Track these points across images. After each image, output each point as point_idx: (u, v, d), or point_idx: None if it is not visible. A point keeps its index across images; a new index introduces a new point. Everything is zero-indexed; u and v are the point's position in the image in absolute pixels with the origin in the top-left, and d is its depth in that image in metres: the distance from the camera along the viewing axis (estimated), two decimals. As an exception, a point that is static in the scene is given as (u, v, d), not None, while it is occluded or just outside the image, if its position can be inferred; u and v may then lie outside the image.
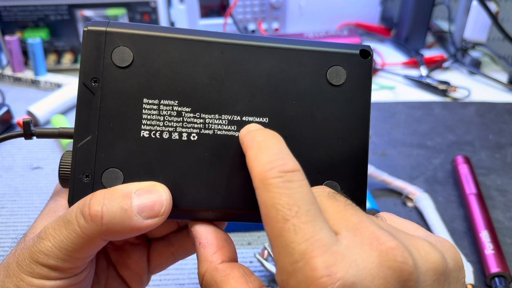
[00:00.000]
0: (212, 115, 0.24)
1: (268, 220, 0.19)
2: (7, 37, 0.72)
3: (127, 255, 0.29)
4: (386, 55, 0.84)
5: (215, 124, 0.24)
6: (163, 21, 0.78)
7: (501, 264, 0.38)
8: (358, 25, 0.92)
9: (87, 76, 0.23)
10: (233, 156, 0.24)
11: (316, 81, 0.24)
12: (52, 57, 0.77)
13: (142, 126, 0.23)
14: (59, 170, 0.23)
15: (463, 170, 0.50)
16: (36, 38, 0.71)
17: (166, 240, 0.30)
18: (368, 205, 0.44)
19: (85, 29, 0.23)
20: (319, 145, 0.24)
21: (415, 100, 0.70)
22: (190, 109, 0.23)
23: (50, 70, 0.76)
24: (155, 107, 0.23)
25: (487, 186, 0.50)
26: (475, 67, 0.79)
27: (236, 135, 0.24)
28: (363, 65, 0.25)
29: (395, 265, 0.17)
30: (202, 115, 0.24)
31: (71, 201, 0.23)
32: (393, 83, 0.75)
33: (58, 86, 0.71)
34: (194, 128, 0.23)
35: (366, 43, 0.87)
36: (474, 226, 0.43)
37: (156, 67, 0.23)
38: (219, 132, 0.24)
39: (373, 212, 0.45)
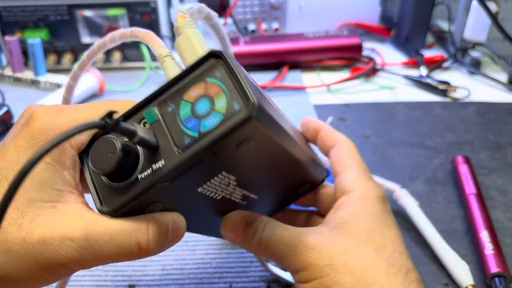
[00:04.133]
0: (240, 189, 0.27)
1: None
2: (7, 37, 0.72)
3: None
4: (386, 55, 0.84)
5: (236, 194, 0.27)
6: (163, 21, 0.78)
7: (501, 264, 0.38)
8: (358, 25, 0.92)
9: (213, 149, 0.21)
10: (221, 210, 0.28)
11: (294, 186, 0.33)
12: (52, 57, 0.77)
13: (203, 186, 0.24)
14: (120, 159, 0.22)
15: (463, 170, 0.50)
16: (36, 38, 0.71)
17: None
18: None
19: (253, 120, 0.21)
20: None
21: (415, 100, 0.70)
22: (236, 183, 0.26)
23: (50, 70, 0.76)
24: (223, 178, 0.24)
25: (487, 186, 0.50)
26: (475, 67, 0.79)
27: (238, 201, 0.28)
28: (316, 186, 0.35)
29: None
30: (237, 188, 0.26)
31: (103, 205, 0.23)
32: (393, 83, 0.75)
33: (58, 86, 0.71)
34: (225, 193, 0.26)
35: (366, 43, 0.87)
36: (474, 226, 0.43)
37: (255, 157, 0.24)
38: (233, 199, 0.27)
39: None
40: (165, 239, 0.24)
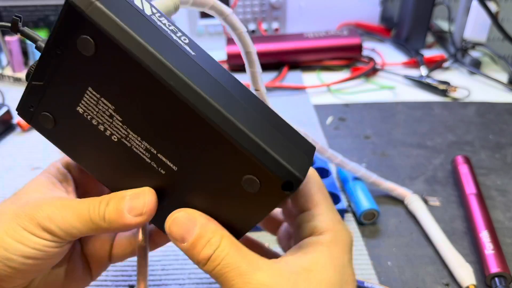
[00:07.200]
0: (136, 135, 0.25)
1: None
2: (7, 37, 0.72)
3: (96, 237, 0.31)
4: (386, 55, 0.84)
5: (135, 142, 0.25)
6: (163, 21, 0.78)
7: (501, 264, 0.38)
8: (358, 25, 0.92)
9: (54, 44, 0.23)
10: (137, 174, 0.26)
11: (231, 177, 0.24)
12: (52, 57, 0.77)
13: (80, 104, 0.25)
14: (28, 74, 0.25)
15: (463, 170, 0.50)
16: (36, 38, 0.71)
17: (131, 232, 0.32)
18: (367, 205, 0.44)
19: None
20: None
21: (415, 100, 0.70)
22: (121, 119, 0.24)
23: (50, 70, 0.76)
24: (95, 98, 0.24)
25: (487, 186, 0.50)
26: (475, 67, 0.79)
27: (148, 161, 0.25)
28: (278, 193, 0.23)
29: None
30: (128, 130, 0.25)
31: (18, 109, 0.26)
32: (393, 83, 0.75)
33: (58, 86, 0.72)
34: (117, 133, 0.25)
35: (366, 43, 0.87)
36: (474, 226, 0.43)
37: (113, 74, 0.23)
38: (135, 150, 0.25)
39: (372, 211, 0.45)
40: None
